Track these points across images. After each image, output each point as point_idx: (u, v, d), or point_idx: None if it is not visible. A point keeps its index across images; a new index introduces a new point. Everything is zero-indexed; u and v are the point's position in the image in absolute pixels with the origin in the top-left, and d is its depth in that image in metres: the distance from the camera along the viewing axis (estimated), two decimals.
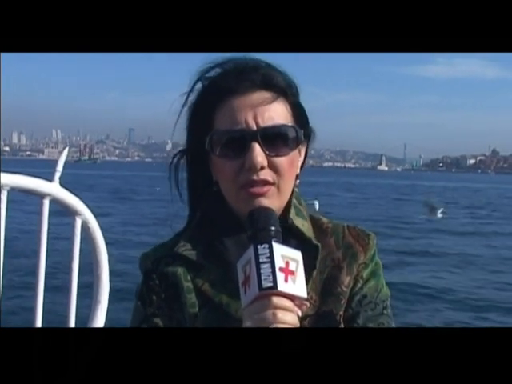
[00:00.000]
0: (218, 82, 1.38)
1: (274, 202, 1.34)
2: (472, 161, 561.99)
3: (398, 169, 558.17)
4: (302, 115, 1.42)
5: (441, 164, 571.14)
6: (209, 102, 1.38)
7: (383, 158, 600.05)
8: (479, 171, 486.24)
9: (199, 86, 1.42)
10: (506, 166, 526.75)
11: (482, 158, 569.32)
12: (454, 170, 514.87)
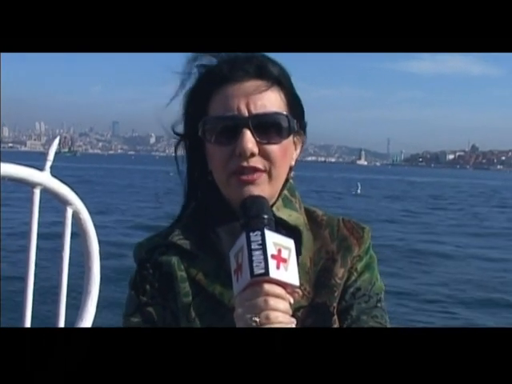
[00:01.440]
0: (212, 70, 1.39)
1: (264, 189, 1.35)
2: (451, 156, 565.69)
3: (378, 163, 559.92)
4: (297, 105, 1.42)
5: (420, 159, 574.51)
6: (203, 90, 1.39)
7: (362, 152, 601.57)
8: (458, 167, 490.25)
9: (193, 72, 1.42)
10: (484, 161, 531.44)
11: (461, 153, 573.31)
12: (433, 165, 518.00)
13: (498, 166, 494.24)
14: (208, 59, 1.42)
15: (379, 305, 1.42)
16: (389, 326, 1.41)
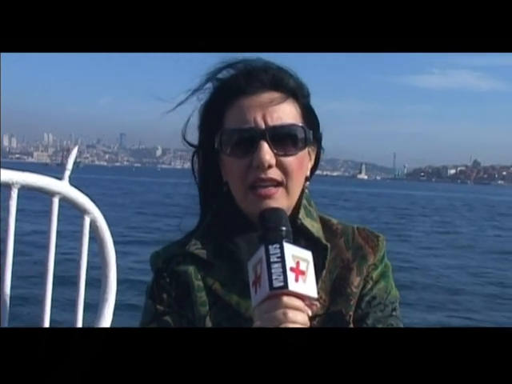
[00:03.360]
0: (229, 82, 1.40)
1: (282, 203, 1.36)
2: (453, 171, 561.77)
3: (378, 177, 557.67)
4: (312, 117, 1.44)
5: (422, 174, 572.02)
6: (219, 102, 1.40)
7: (363, 166, 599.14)
8: (459, 181, 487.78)
9: (209, 86, 1.43)
10: (485, 176, 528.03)
11: (463, 168, 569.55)
12: (434, 179, 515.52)
13: (499, 182, 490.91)
14: (223, 73, 1.42)
15: (394, 313, 1.43)
16: None
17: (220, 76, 1.42)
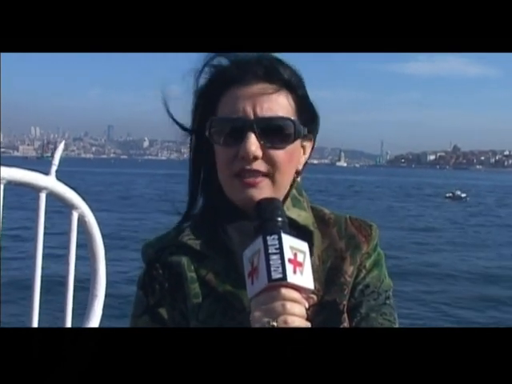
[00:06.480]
0: (222, 71, 1.40)
1: (267, 193, 1.34)
2: (432, 157, 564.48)
3: (357, 165, 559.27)
4: (307, 109, 1.42)
5: (403, 160, 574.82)
6: (212, 92, 1.40)
7: (342, 153, 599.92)
8: (438, 167, 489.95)
9: (204, 73, 1.42)
10: (464, 161, 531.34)
11: (442, 154, 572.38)
12: (413, 165, 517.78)
13: (478, 166, 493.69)
14: (218, 60, 1.41)
15: (388, 302, 1.43)
16: (397, 323, 1.42)
17: (214, 64, 1.42)
